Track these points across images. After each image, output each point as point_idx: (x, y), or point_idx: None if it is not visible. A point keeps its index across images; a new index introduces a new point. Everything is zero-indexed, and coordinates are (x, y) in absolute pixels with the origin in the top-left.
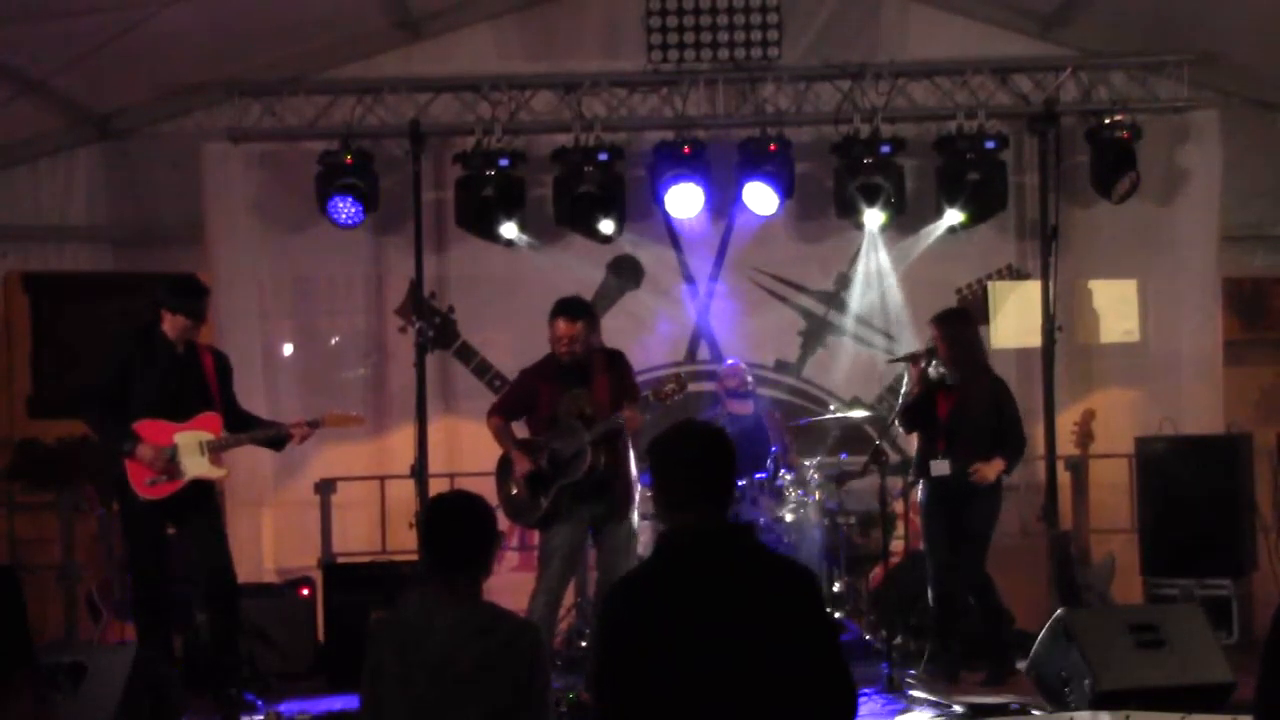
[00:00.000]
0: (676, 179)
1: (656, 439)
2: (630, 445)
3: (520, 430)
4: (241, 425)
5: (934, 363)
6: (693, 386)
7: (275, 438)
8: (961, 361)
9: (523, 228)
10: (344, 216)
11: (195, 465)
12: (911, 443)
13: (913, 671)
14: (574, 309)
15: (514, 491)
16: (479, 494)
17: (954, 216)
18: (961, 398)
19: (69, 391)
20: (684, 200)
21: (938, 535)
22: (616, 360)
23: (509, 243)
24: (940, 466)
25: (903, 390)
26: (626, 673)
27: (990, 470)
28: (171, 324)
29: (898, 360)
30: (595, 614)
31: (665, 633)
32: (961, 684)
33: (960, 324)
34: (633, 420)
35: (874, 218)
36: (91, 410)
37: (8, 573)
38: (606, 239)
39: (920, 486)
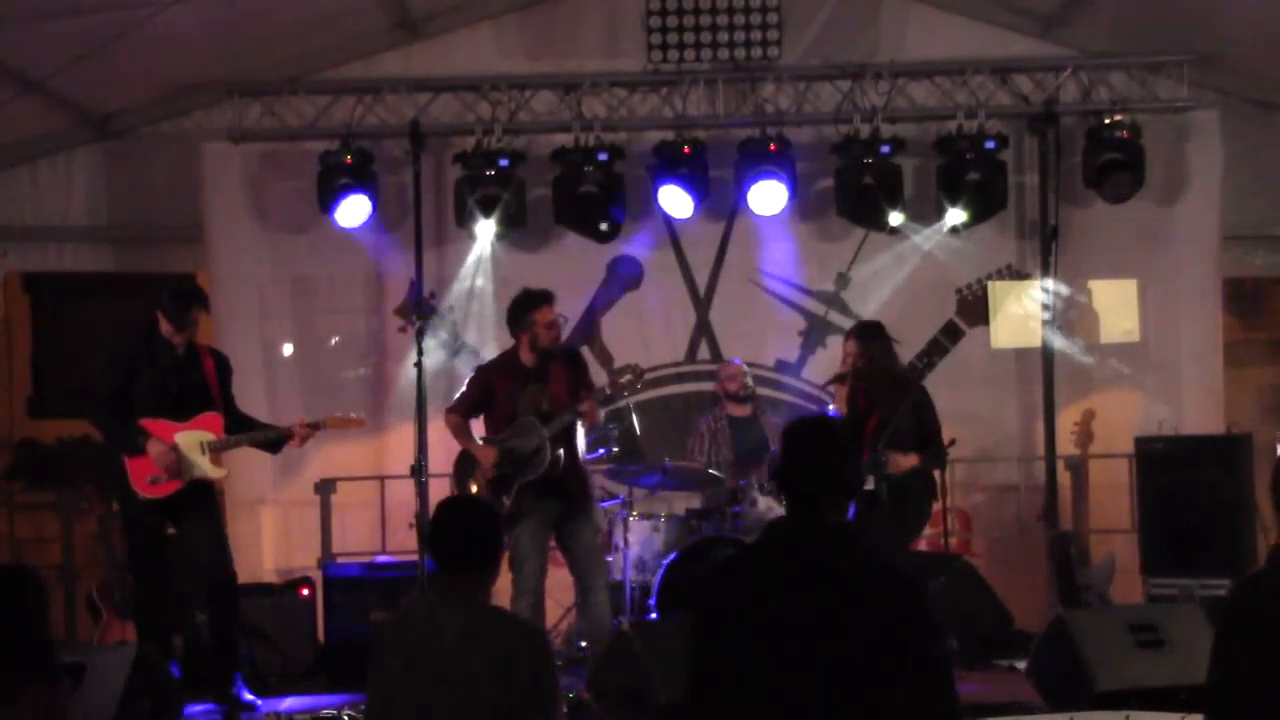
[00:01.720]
0: (670, 181)
1: (787, 427)
2: (580, 441)
3: (476, 428)
4: (240, 427)
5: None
6: (692, 387)
7: (274, 439)
8: (875, 375)
9: (505, 228)
10: (348, 217)
11: (196, 465)
12: None
13: None
14: (549, 294)
15: (473, 490)
16: (484, 499)
17: (956, 216)
18: (880, 412)
19: (72, 392)
20: (677, 201)
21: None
22: (572, 356)
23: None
24: (868, 483)
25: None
26: (716, 655)
27: (904, 460)
28: (165, 326)
29: (830, 384)
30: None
31: (755, 619)
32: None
33: (875, 338)
34: (591, 412)
35: (896, 216)
36: (99, 412)
37: (28, 575)
38: (606, 238)
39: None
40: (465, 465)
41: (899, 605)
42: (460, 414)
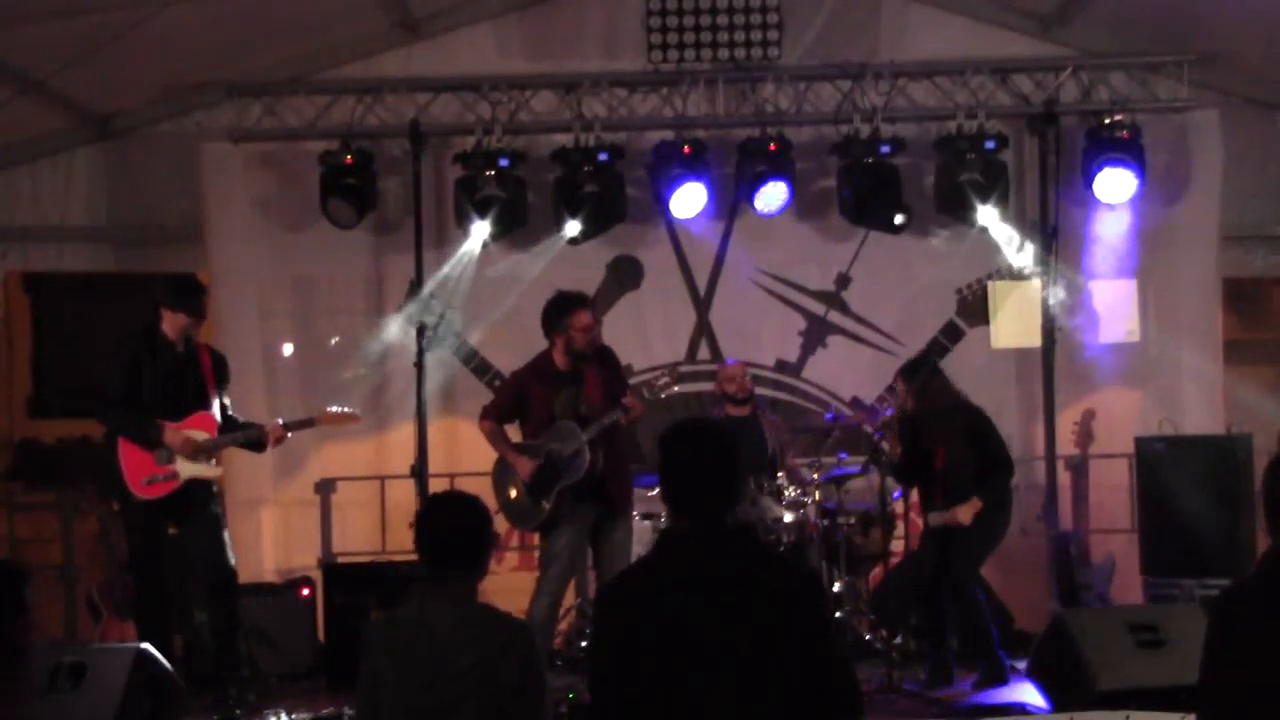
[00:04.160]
0: (680, 180)
1: (662, 435)
2: (625, 442)
3: (513, 434)
4: (227, 428)
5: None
6: (692, 387)
7: (254, 439)
8: (932, 413)
9: (505, 228)
10: (340, 219)
11: (191, 465)
12: None
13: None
14: (586, 297)
15: (513, 495)
16: (474, 494)
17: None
18: (942, 449)
19: (72, 392)
20: (687, 201)
21: (932, 550)
22: (607, 357)
23: (485, 244)
24: (939, 518)
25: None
26: (620, 669)
27: (966, 514)
28: (171, 323)
29: (879, 428)
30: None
31: (657, 632)
32: (957, 684)
33: (916, 374)
34: (635, 408)
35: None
36: (112, 414)
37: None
38: (573, 240)
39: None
40: (502, 472)
41: (797, 602)
42: (494, 420)
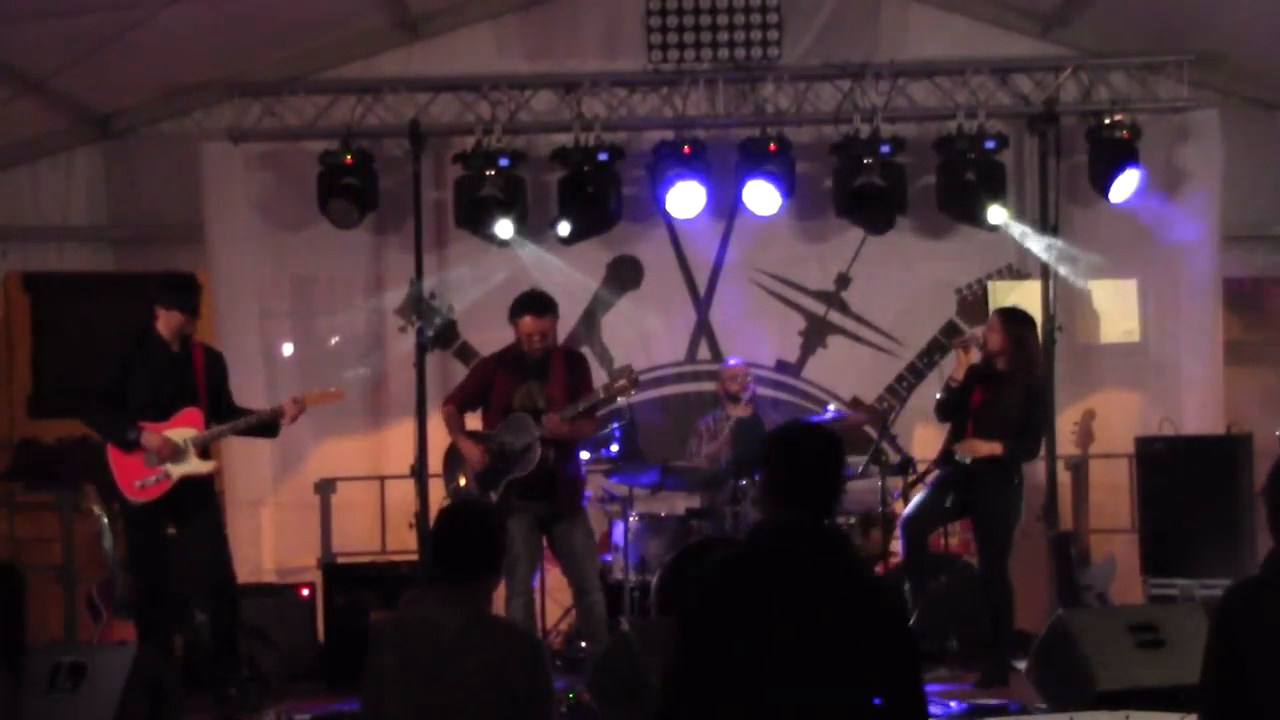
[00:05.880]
0: (677, 178)
1: (771, 432)
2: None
3: (474, 421)
4: (232, 418)
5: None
6: (692, 387)
7: (265, 422)
8: (1014, 357)
9: (521, 227)
10: (340, 219)
11: (180, 464)
12: (911, 443)
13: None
14: (540, 305)
15: (461, 484)
16: (488, 501)
17: (997, 214)
18: (998, 390)
19: (72, 392)
20: (685, 200)
21: (925, 510)
22: (576, 361)
23: (504, 242)
24: (962, 448)
25: (946, 377)
26: (696, 649)
27: (980, 447)
28: (166, 321)
29: (949, 342)
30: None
31: (737, 615)
32: (957, 685)
33: (1021, 324)
34: (554, 427)
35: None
36: (91, 409)
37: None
38: (570, 239)
39: (936, 473)
40: (453, 458)
41: (877, 609)
42: (455, 405)
